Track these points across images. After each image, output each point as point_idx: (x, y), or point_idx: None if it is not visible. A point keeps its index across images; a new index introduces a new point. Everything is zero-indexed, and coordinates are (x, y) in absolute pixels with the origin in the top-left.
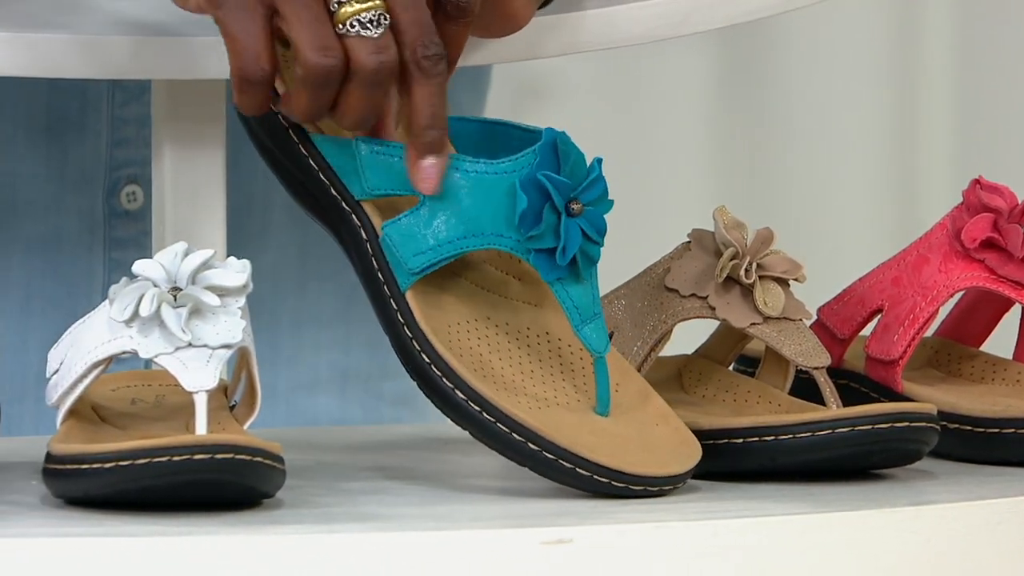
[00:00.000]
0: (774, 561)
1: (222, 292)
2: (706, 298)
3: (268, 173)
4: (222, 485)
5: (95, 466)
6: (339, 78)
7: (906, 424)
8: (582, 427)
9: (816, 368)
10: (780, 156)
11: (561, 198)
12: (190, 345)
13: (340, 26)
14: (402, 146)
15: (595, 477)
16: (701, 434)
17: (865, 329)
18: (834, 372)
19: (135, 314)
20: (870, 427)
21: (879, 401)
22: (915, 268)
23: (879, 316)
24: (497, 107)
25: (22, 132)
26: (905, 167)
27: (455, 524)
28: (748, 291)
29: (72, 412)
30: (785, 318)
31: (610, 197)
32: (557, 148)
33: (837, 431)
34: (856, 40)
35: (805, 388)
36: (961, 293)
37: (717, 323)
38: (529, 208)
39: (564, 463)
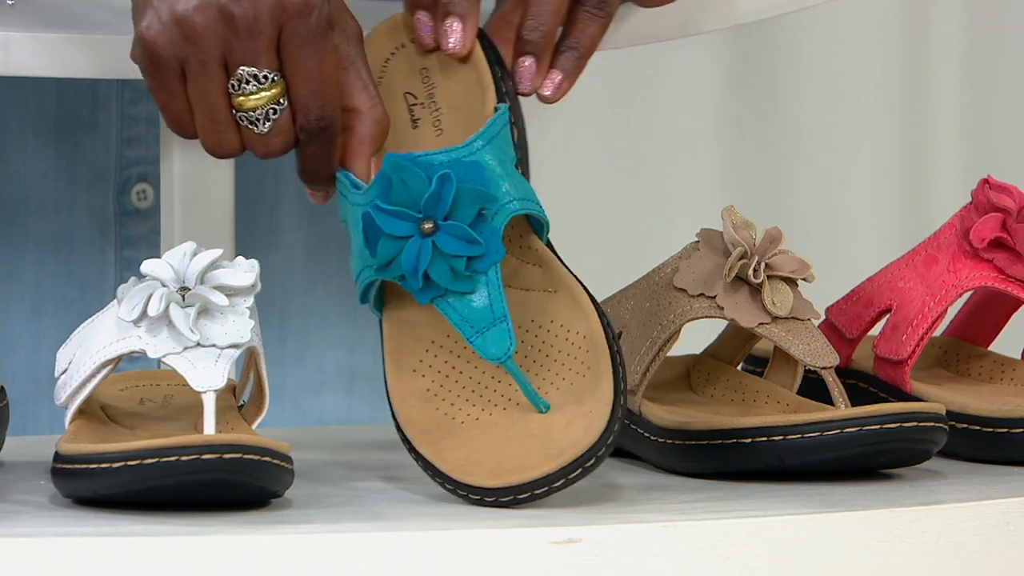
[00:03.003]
0: (783, 561)
1: (230, 292)
2: (714, 298)
3: (277, 172)
4: (231, 485)
5: (103, 466)
6: (239, 152)
7: (915, 424)
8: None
9: (824, 368)
10: (789, 155)
11: (400, 222)
12: (199, 345)
13: (234, 110)
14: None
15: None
16: (709, 433)
17: (874, 329)
18: (843, 372)
19: (143, 314)
20: (879, 427)
21: (888, 401)
22: (924, 268)
23: (888, 316)
24: None
25: (33, 132)
26: (914, 167)
27: (464, 523)
28: (756, 291)
29: (81, 411)
30: (793, 318)
31: (615, 197)
32: (388, 175)
33: (846, 431)
34: (865, 39)
35: (813, 388)
36: (970, 293)
37: (725, 323)
38: (371, 241)
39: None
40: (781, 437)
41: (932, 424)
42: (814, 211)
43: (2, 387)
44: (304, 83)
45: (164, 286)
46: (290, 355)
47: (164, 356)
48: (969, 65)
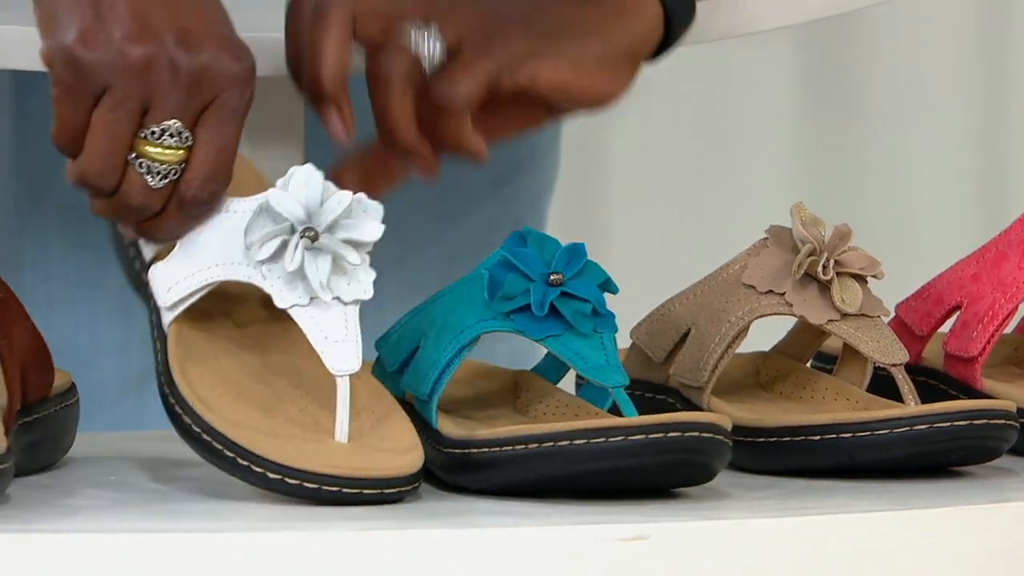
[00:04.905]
0: (853, 558)
1: (358, 245)
2: (783, 294)
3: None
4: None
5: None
6: (105, 192)
7: (985, 421)
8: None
9: (894, 365)
10: (860, 151)
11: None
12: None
13: (133, 153)
14: None
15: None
16: (779, 431)
17: (944, 326)
18: (912, 369)
19: (272, 257)
20: (949, 424)
21: (958, 398)
22: (994, 265)
23: (958, 313)
24: None
25: None
26: (987, 163)
27: (532, 521)
28: (825, 287)
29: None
30: (863, 315)
31: (687, 193)
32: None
33: (915, 428)
34: (944, 34)
35: (883, 385)
36: None
37: (794, 320)
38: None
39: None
40: (851, 435)
41: (1002, 421)
42: (884, 207)
43: (72, 384)
44: (216, 153)
45: (294, 230)
46: None
47: (291, 307)
48: None
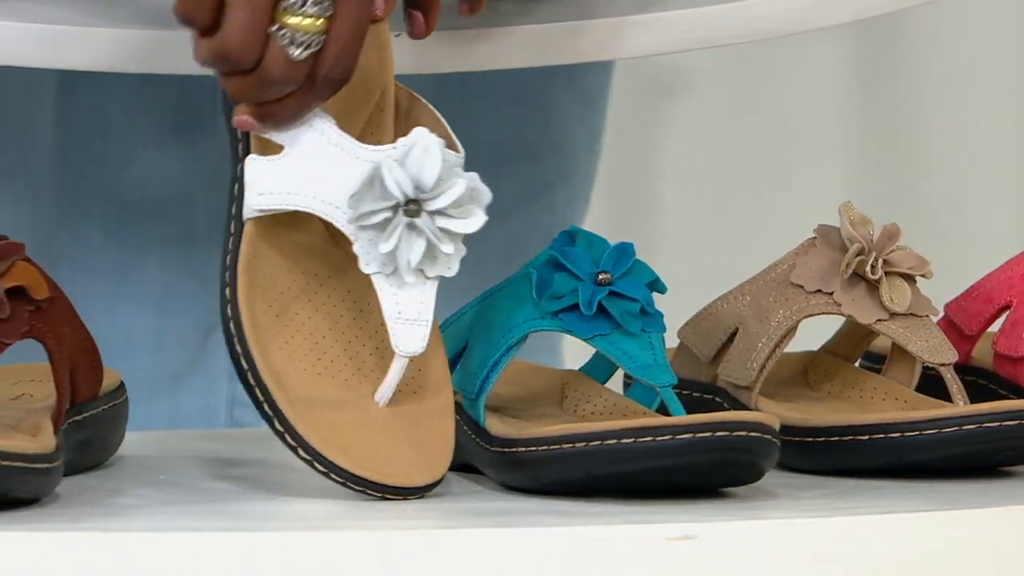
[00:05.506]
0: (902, 559)
1: (454, 237)
2: (832, 294)
3: None
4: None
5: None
6: (249, 64)
7: None
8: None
9: (943, 364)
10: (911, 150)
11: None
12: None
13: (274, 24)
14: None
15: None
16: (827, 431)
17: (994, 325)
18: (962, 369)
19: (374, 228)
20: (997, 424)
21: (1008, 398)
22: None
23: (1007, 312)
24: (624, 97)
25: (154, 133)
26: None
27: (579, 520)
28: (874, 287)
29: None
30: (911, 314)
31: (736, 193)
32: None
33: (964, 428)
34: (995, 33)
35: (932, 385)
36: None
37: (843, 319)
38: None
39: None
40: (899, 434)
41: None
42: (933, 206)
43: (121, 383)
44: (354, 27)
45: (398, 208)
46: None
47: (373, 274)
48: None
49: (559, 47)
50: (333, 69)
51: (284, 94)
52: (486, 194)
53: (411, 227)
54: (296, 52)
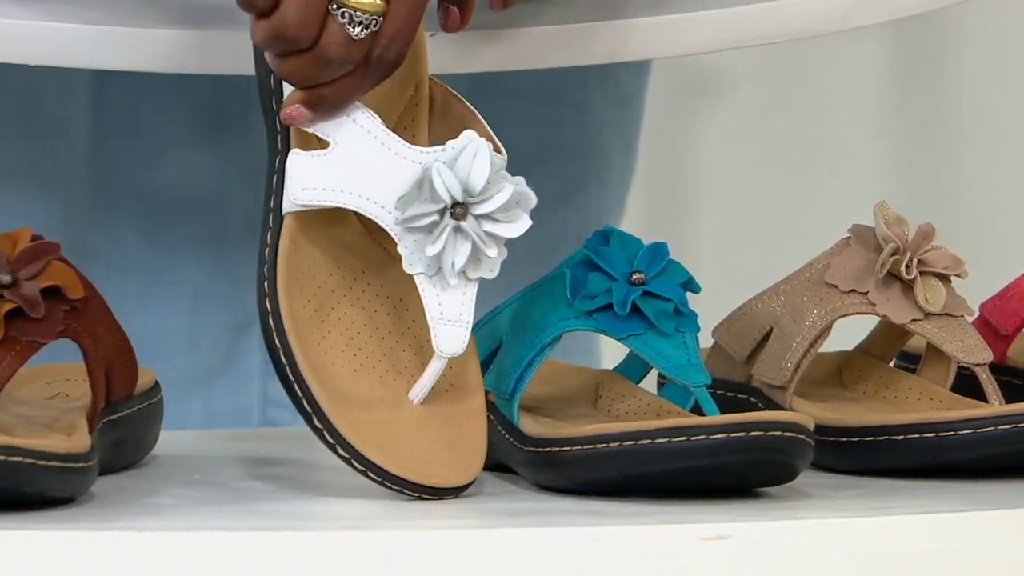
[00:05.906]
0: (937, 559)
1: (499, 240)
2: (866, 294)
3: None
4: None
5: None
6: (308, 43)
7: None
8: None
9: (978, 364)
10: (947, 150)
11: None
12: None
13: (333, 3)
14: None
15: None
16: (861, 431)
17: None
18: (997, 368)
19: (422, 230)
20: None
21: None
22: None
23: None
24: (658, 97)
25: (188, 133)
26: None
27: (613, 520)
28: (909, 287)
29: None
30: (946, 314)
31: (770, 192)
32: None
33: (1000, 428)
34: None
35: (967, 385)
36: None
37: (877, 319)
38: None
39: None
40: (934, 434)
41: None
42: (968, 206)
43: (156, 382)
44: (410, 12)
45: (445, 211)
46: None
47: (416, 275)
48: None
49: (596, 47)
50: (388, 50)
51: (338, 75)
52: (532, 199)
53: (457, 230)
54: (356, 31)
